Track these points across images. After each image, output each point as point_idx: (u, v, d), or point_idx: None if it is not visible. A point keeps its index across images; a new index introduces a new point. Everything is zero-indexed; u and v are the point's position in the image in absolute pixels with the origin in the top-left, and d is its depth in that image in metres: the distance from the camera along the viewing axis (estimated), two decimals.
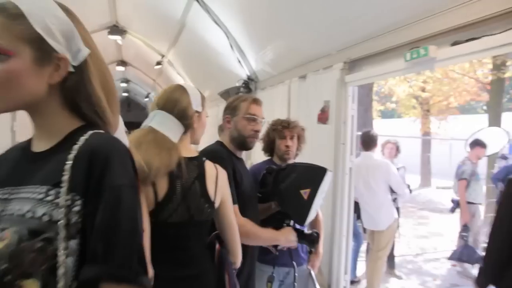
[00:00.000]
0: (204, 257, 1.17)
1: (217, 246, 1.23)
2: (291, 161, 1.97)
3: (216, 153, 1.45)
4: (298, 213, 1.61)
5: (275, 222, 1.68)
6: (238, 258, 1.27)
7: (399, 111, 13.48)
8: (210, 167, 1.20)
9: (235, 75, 4.23)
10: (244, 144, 1.60)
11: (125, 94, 15.75)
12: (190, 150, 1.23)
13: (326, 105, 2.66)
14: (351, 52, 2.49)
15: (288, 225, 1.68)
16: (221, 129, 1.81)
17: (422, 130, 12.32)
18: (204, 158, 1.23)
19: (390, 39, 2.14)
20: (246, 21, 3.48)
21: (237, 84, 4.00)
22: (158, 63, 6.45)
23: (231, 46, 3.78)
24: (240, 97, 1.67)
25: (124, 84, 12.16)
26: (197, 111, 1.23)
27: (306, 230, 1.73)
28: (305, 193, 1.54)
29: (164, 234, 1.08)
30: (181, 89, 1.21)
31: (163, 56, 6.52)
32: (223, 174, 1.23)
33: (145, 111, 18.18)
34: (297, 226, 1.71)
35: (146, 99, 13.71)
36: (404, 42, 2.04)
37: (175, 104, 1.17)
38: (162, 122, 1.12)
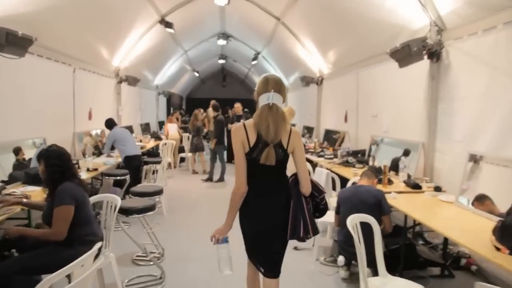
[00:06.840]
0: (280, 183, 1.85)
1: (291, 179, 1.87)
2: None
3: None
4: None
5: None
6: (305, 188, 1.83)
7: None
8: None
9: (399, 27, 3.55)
10: None
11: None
12: None
13: None
14: None
15: None
16: None
17: None
18: None
19: None
20: None
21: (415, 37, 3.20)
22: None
23: None
24: None
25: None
26: None
27: None
28: None
29: (256, 166, 1.77)
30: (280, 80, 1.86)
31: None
32: (295, 133, 1.82)
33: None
34: None
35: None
36: None
37: (284, 89, 1.84)
38: (279, 101, 1.78)
